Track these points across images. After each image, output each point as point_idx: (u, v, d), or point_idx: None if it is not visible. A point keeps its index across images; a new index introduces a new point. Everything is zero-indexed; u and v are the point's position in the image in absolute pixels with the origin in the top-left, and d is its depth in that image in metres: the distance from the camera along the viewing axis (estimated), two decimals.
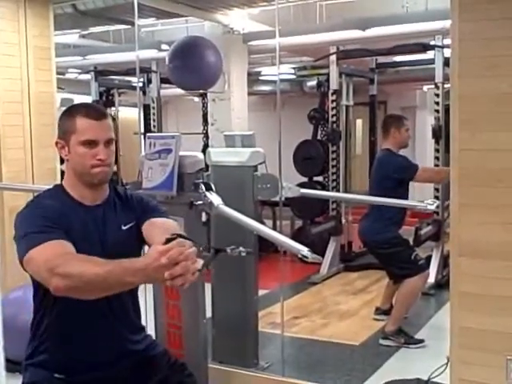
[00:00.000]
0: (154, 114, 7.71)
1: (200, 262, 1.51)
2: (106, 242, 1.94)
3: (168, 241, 1.50)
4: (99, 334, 1.94)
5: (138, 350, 2.05)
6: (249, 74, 7.59)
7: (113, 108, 8.49)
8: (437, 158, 5.96)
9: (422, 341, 4.36)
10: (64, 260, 1.64)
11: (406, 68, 7.97)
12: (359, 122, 9.56)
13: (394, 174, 4.34)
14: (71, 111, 1.97)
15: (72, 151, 1.93)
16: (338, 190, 6.81)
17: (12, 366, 2.71)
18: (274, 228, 7.01)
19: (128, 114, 9.15)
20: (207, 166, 3.55)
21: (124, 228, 2.00)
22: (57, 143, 1.98)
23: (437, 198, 5.90)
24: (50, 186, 2.09)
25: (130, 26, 7.08)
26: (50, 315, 1.93)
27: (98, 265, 1.61)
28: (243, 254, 2.20)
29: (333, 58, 6.65)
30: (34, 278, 1.87)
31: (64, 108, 2.05)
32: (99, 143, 1.91)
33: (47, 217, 1.83)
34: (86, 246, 1.84)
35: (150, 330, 2.57)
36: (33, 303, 1.99)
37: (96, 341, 1.94)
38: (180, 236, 1.52)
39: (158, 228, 1.95)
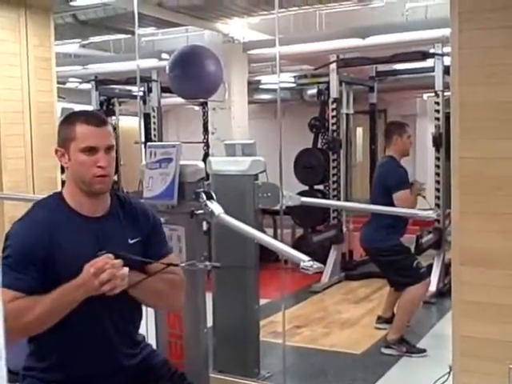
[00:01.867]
0: (154, 123, 7.71)
1: (126, 269, 1.74)
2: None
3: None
4: (99, 349, 1.91)
5: (132, 364, 2.01)
6: (249, 83, 7.61)
7: (113, 117, 8.49)
8: (437, 166, 5.97)
9: (424, 350, 4.34)
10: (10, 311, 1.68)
11: (406, 76, 7.99)
12: (359, 130, 9.58)
13: (392, 184, 4.33)
14: (71, 118, 1.94)
15: (72, 159, 1.90)
16: (338, 199, 6.81)
17: (11, 376, 2.70)
18: (275, 237, 7.00)
19: (128, 123, 9.18)
20: (208, 175, 3.55)
21: (131, 242, 1.96)
22: (56, 151, 1.94)
23: (438, 206, 5.90)
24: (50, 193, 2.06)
25: (130, 36, 7.12)
26: (50, 329, 1.91)
27: (42, 299, 1.75)
28: (202, 267, 2.18)
29: (333, 66, 6.67)
30: None
31: None
32: (99, 150, 1.88)
33: (26, 248, 1.81)
34: (81, 260, 1.79)
35: (151, 340, 2.56)
36: None
37: (96, 355, 1.91)
38: (111, 253, 1.76)
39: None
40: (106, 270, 1.71)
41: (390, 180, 4.37)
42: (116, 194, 2.05)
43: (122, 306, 1.86)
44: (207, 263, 2.26)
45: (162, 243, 2.09)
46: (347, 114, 7.07)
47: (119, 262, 1.74)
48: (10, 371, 2.63)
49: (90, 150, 1.88)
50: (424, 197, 4.58)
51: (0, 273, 1.74)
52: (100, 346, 1.92)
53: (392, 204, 4.15)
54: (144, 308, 2.13)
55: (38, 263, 1.81)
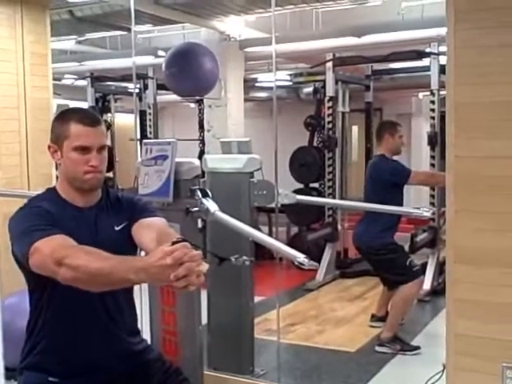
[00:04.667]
0: (150, 120, 7.71)
1: (205, 266, 1.50)
2: (100, 243, 1.89)
3: (174, 244, 1.51)
4: (95, 336, 1.93)
5: (135, 352, 2.04)
6: (245, 81, 7.61)
7: (109, 114, 8.49)
8: (432, 165, 5.98)
9: (417, 348, 4.35)
10: (71, 251, 1.67)
11: (402, 75, 7.99)
12: (355, 128, 9.57)
13: (387, 178, 4.35)
14: (65, 116, 1.97)
15: (64, 156, 1.94)
16: (333, 197, 6.82)
17: (9, 373, 2.69)
18: (270, 234, 7.01)
19: (124, 120, 9.15)
20: (203, 173, 3.55)
21: (117, 229, 2.01)
22: (49, 147, 1.98)
23: (433, 204, 5.91)
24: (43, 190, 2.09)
25: (126, 33, 7.11)
26: (45, 316, 1.93)
27: (104, 259, 1.62)
28: (247, 263, 2.20)
29: (329, 64, 6.67)
30: (29, 279, 1.89)
31: None
32: (92, 149, 1.92)
33: (44, 216, 1.85)
34: None
35: (146, 337, 2.56)
36: (29, 305, 2.00)
37: (92, 343, 1.93)
38: (184, 241, 1.54)
39: (145, 228, 1.96)
40: (184, 263, 1.46)
41: (384, 173, 4.39)
42: (107, 190, 2.09)
43: (115, 291, 1.84)
44: (245, 258, 2.26)
45: (148, 210, 2.08)
46: (343, 113, 7.07)
47: (199, 253, 1.50)
48: (7, 369, 2.63)
49: (83, 149, 1.92)
50: None
51: (30, 236, 1.73)
52: (97, 335, 1.93)
53: (386, 202, 4.16)
54: (138, 304, 2.14)
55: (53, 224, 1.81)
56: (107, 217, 2.02)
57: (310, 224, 7.17)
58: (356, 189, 8.48)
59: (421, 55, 6.28)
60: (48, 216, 1.86)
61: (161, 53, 7.16)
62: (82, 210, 1.98)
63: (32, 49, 4.27)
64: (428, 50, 6.00)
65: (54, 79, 4.71)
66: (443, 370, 2.70)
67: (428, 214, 3.90)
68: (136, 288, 1.98)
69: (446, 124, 2.49)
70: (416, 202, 6.20)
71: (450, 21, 2.42)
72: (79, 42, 8.36)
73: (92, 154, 1.91)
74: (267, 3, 5.66)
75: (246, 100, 7.70)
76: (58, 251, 1.67)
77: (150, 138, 7.32)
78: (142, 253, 2.04)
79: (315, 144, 7.33)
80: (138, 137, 6.67)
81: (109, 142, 7.94)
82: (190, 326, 3.03)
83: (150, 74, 7.56)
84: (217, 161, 3.74)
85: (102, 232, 1.97)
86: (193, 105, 9.21)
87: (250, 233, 2.88)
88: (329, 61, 6.65)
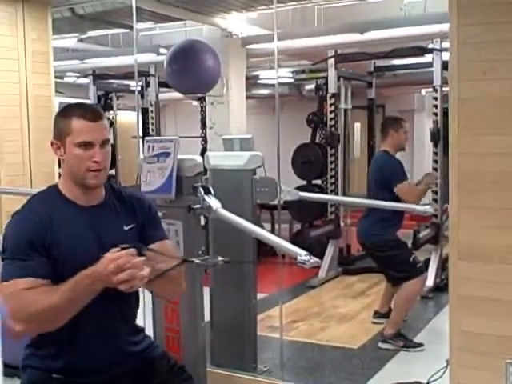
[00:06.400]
0: (152, 118, 7.70)
1: (147, 270, 1.67)
2: (106, 242, 1.87)
3: (122, 250, 1.70)
4: (99, 338, 1.93)
5: (137, 351, 2.03)
6: (247, 78, 7.60)
7: (111, 112, 8.48)
8: (435, 162, 5.97)
9: (421, 344, 4.35)
10: (21, 304, 1.73)
11: (405, 71, 7.98)
12: (357, 125, 9.55)
13: (387, 178, 4.33)
14: (67, 111, 1.95)
15: (67, 152, 1.92)
16: (336, 194, 6.81)
17: (10, 370, 2.70)
18: (273, 231, 7.00)
19: (126, 118, 9.17)
20: (206, 170, 3.55)
21: (126, 228, 1.99)
22: (52, 143, 1.96)
23: (435, 200, 5.91)
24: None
25: (128, 30, 7.10)
26: None
27: (51, 293, 1.73)
28: (220, 263, 2.18)
29: (331, 61, 6.65)
30: None
31: None
32: (95, 145, 1.90)
33: (28, 237, 1.83)
34: (81, 247, 1.86)
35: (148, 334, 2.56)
36: None
37: (96, 343, 1.93)
38: (134, 247, 1.71)
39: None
40: (126, 270, 1.65)
41: (385, 173, 4.37)
42: (110, 185, 2.08)
43: (118, 293, 1.84)
44: (220, 258, 2.26)
45: (159, 227, 2.12)
46: (345, 109, 7.07)
47: (141, 260, 1.68)
48: (8, 366, 2.64)
49: (86, 145, 1.90)
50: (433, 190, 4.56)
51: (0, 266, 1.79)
52: (99, 333, 1.93)
53: (388, 198, 4.14)
54: (141, 303, 2.13)
55: (39, 249, 1.82)
56: (115, 215, 2.00)
57: (313, 221, 7.17)
58: (358, 185, 8.48)
59: (423, 51, 6.26)
60: (36, 229, 1.85)
61: (163, 50, 7.15)
62: (83, 210, 1.95)
63: (34, 47, 4.28)
64: (431, 46, 5.98)
65: (56, 77, 4.71)
66: (446, 367, 2.70)
67: (431, 210, 3.90)
68: None
69: (450, 121, 2.49)
70: None
71: (453, 16, 2.42)
72: (81, 40, 8.36)
73: (95, 149, 1.89)
74: (269, 0, 5.65)
75: (248, 97, 7.69)
76: (11, 305, 1.77)
77: (153, 136, 7.32)
78: None
79: (317, 141, 7.31)
80: (141, 134, 6.67)
81: (111, 140, 7.92)
82: (193, 323, 3.03)
83: (152, 71, 7.55)
84: (219, 158, 3.74)
85: (107, 233, 1.93)
86: (195, 102, 9.20)
87: (253, 230, 2.88)
88: (331, 57, 6.64)
